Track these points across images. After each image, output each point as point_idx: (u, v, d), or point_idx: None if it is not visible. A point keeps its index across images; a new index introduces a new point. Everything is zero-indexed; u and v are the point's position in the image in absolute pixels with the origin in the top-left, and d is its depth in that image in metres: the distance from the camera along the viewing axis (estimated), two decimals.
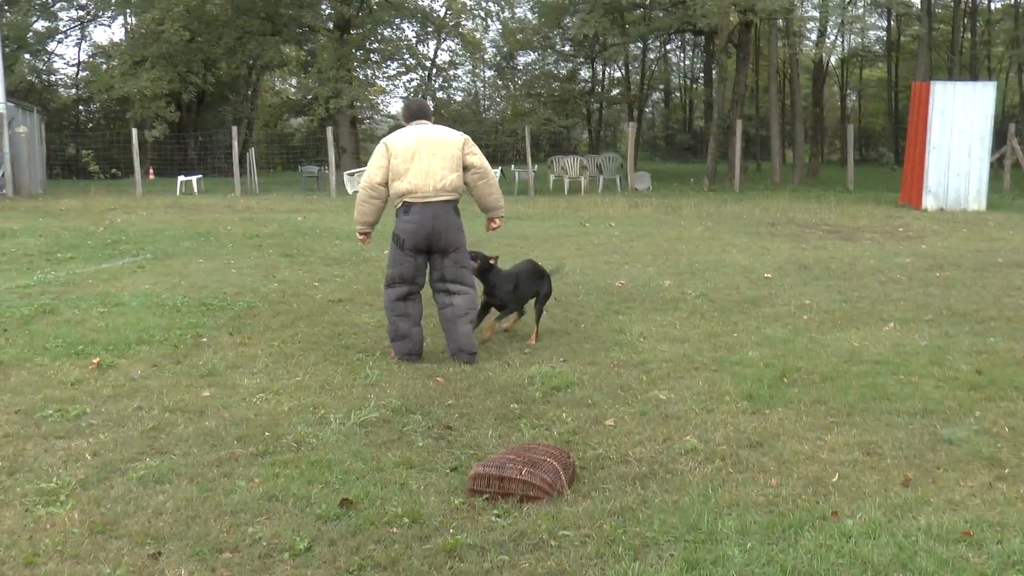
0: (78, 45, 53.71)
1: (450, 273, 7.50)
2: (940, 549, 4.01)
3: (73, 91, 53.65)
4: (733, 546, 4.06)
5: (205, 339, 8.13)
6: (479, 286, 7.94)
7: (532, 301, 8.43)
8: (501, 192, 7.76)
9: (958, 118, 21.00)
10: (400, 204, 7.39)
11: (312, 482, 4.84)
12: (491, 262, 8.16)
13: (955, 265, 12.26)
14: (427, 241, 7.35)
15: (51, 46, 51.76)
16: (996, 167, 24.92)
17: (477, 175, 7.55)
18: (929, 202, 21.21)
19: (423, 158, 7.30)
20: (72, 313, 9.14)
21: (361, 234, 7.84)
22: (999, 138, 25.22)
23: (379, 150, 7.46)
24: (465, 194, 7.61)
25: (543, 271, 8.61)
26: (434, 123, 7.70)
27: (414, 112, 7.73)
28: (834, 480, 4.84)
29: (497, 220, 7.92)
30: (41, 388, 6.57)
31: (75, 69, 53.42)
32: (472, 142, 7.59)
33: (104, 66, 44.56)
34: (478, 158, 7.54)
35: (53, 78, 53.82)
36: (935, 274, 11.49)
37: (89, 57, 51.48)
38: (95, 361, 7.25)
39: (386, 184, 7.40)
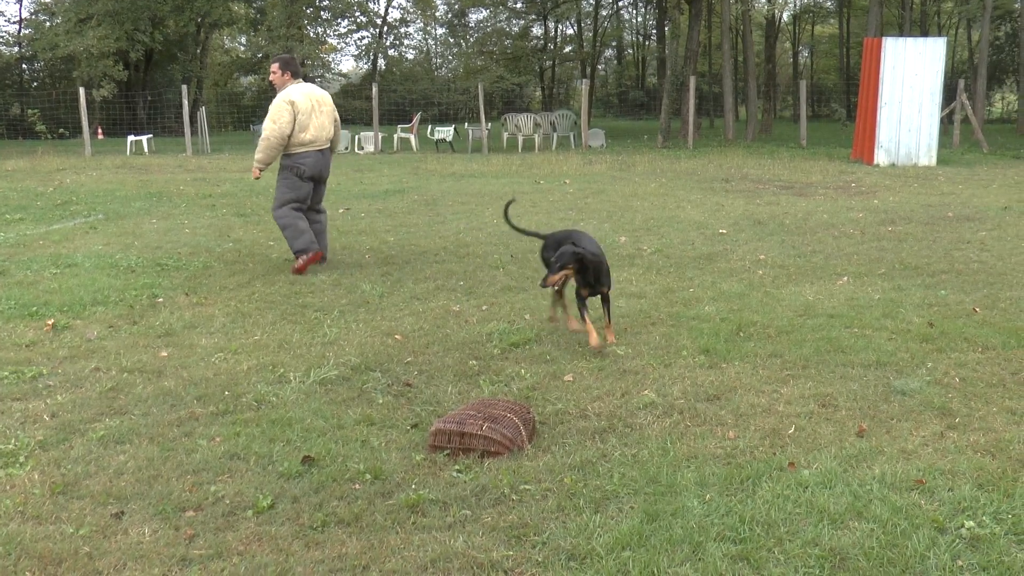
0: (19, 1, 52.64)
1: (322, 197, 9.88)
2: (894, 497, 4.09)
3: (16, 49, 52.59)
4: (692, 498, 4.12)
5: (161, 299, 8.07)
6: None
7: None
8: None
9: (909, 74, 21.16)
10: (299, 149, 9.37)
11: (273, 440, 4.84)
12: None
13: (906, 219, 12.41)
14: (320, 175, 9.61)
15: None
16: (946, 122, 25.18)
17: (335, 127, 9.80)
18: (881, 157, 21.41)
19: (318, 115, 9.46)
20: (24, 275, 9.04)
21: (259, 172, 9.62)
22: (949, 94, 25.48)
23: (285, 107, 9.25)
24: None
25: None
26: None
27: (297, 71, 9.67)
28: (790, 432, 4.92)
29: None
30: None
31: (16, 27, 52.32)
32: None
33: (48, 23, 43.74)
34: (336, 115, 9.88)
35: None
36: (887, 228, 11.63)
37: (31, 14, 50.41)
38: (49, 322, 7.19)
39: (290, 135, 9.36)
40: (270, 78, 9.71)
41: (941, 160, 21.61)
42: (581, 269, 6.32)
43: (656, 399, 5.44)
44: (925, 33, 45.60)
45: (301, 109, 9.25)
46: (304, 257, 9.23)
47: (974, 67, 43.52)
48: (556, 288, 6.67)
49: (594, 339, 6.32)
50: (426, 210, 13.87)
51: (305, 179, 9.42)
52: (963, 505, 4.03)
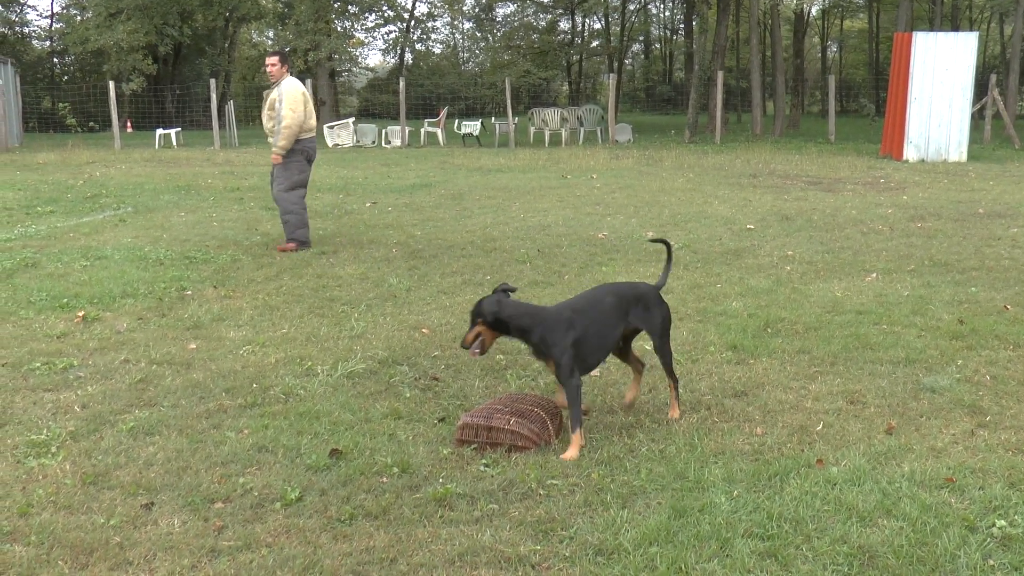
0: None
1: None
2: (923, 495, 4.07)
3: (47, 43, 52.95)
4: (720, 494, 4.11)
5: (189, 292, 8.12)
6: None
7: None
8: None
9: (939, 69, 20.99)
10: (307, 135, 10.24)
11: (301, 433, 4.86)
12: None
13: (936, 216, 12.32)
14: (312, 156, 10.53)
15: None
16: (977, 118, 24.97)
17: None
18: (910, 153, 21.26)
19: (310, 104, 10.34)
20: (55, 267, 9.11)
21: (282, 157, 10.17)
22: (980, 89, 25.26)
23: (301, 98, 10.10)
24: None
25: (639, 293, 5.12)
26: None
27: (291, 64, 10.45)
28: (818, 428, 4.90)
29: None
30: (27, 341, 6.57)
31: (48, 21, 52.69)
32: None
33: (79, 18, 44.03)
34: None
35: (26, 30, 53.12)
36: (916, 225, 11.55)
37: (63, 8, 50.73)
38: (80, 314, 7.24)
39: None
40: (269, 70, 10.34)
41: (972, 156, 21.43)
42: (497, 326, 4.64)
43: (683, 395, 5.42)
44: (956, 27, 45.22)
45: (308, 99, 10.33)
46: (295, 245, 10.16)
47: (1006, 62, 43.12)
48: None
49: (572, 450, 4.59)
50: (453, 204, 13.88)
51: (310, 163, 10.44)
52: (994, 504, 4.00)
